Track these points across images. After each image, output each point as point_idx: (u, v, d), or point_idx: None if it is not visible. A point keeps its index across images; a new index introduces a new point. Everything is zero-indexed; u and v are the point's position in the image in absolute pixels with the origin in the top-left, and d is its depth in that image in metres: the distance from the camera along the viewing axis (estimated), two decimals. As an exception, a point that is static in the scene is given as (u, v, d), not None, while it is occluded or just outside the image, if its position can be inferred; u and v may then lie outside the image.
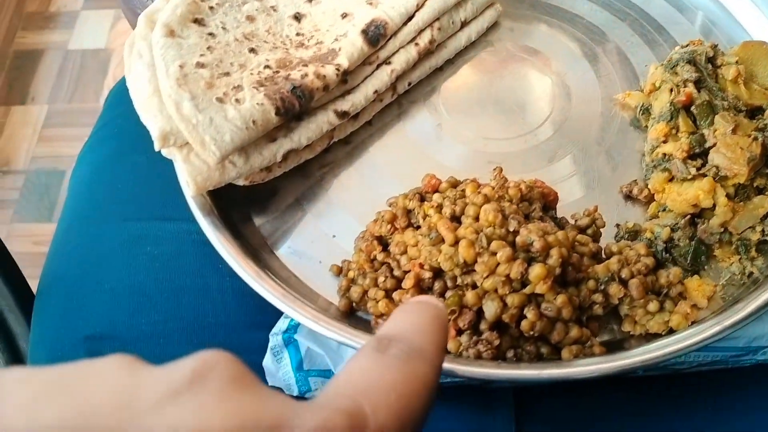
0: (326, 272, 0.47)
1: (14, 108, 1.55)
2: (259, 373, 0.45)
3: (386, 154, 0.52)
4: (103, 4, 1.73)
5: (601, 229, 0.46)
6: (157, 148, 0.45)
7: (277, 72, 0.48)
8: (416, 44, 0.53)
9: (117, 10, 1.68)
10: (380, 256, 0.45)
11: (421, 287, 0.43)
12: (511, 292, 0.40)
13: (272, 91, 0.46)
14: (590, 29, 0.56)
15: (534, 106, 0.53)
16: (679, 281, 0.43)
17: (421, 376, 0.22)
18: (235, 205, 0.49)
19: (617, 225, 0.47)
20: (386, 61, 0.52)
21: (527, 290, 0.40)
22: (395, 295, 0.43)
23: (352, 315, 0.45)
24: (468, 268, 0.41)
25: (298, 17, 0.54)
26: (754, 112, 0.47)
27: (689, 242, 0.44)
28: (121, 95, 0.64)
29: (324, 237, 0.49)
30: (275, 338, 0.44)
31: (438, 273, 0.42)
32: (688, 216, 0.44)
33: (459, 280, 0.42)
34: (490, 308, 0.40)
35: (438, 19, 0.53)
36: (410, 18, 0.52)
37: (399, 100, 0.54)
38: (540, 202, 0.46)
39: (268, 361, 0.45)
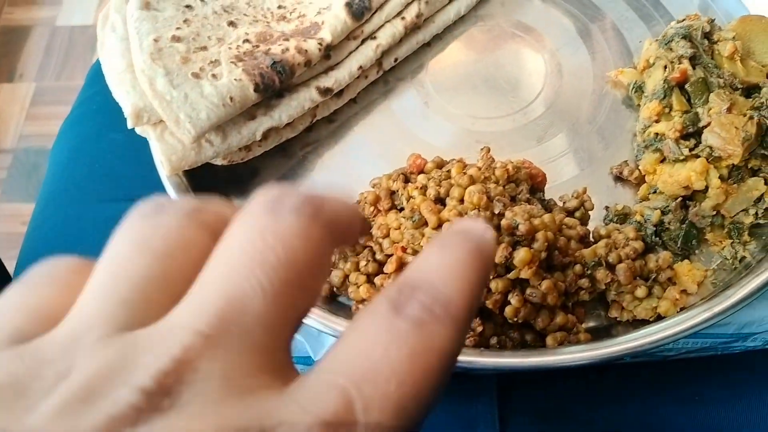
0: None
1: (1, 86, 1.53)
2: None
3: (371, 132, 0.51)
4: (91, -21, 1.69)
5: (590, 212, 0.45)
6: (130, 125, 0.43)
7: (257, 46, 0.47)
8: (403, 18, 0.51)
9: (105, -15, 1.64)
10: (363, 239, 0.43)
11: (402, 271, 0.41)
12: (495, 277, 0.39)
13: (251, 67, 0.45)
14: (584, 4, 0.54)
15: (524, 83, 0.51)
16: (669, 266, 0.41)
17: (438, 346, 0.18)
18: (213, 186, 0.48)
19: (606, 207, 0.45)
20: (371, 36, 0.50)
21: (512, 275, 0.39)
22: (377, 280, 0.42)
23: (333, 300, 0.44)
24: (451, 251, 0.40)
25: (280, -10, 0.51)
26: (750, 90, 0.45)
27: (680, 225, 0.43)
28: (101, 71, 0.62)
29: (305, 218, 0.47)
30: (253, 323, 0.43)
31: (421, 256, 0.41)
32: (680, 198, 0.43)
33: (442, 264, 0.40)
34: (474, 293, 0.39)
35: (425, -8, 0.51)
36: (396, -9, 0.50)
37: (385, 77, 0.53)
38: (527, 184, 0.44)
39: (246, 346, 0.43)
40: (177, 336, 0.16)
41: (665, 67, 0.46)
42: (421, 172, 0.46)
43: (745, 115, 0.43)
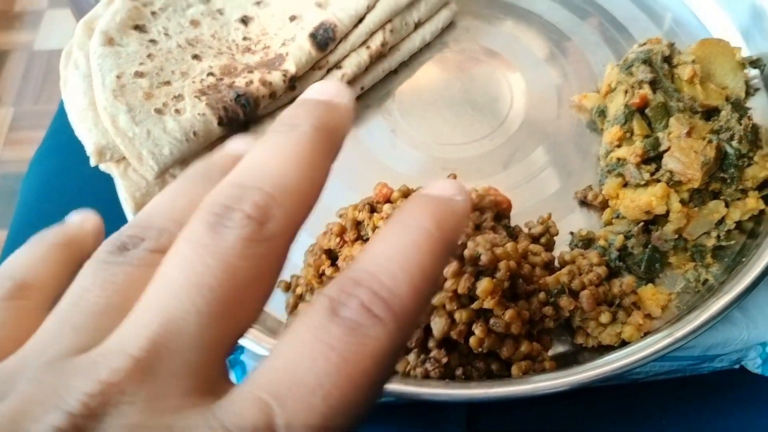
0: (275, 288, 0.45)
1: (-20, 110, 1.52)
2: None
3: (339, 161, 0.51)
4: (67, 3, 1.69)
5: (555, 237, 0.45)
6: (92, 163, 0.43)
7: (221, 79, 0.47)
8: (368, 47, 0.51)
9: (84, 8, 1.64)
10: (329, 271, 0.43)
11: (369, 302, 0.41)
12: (459, 308, 0.39)
13: (215, 100, 0.45)
14: (549, 28, 0.55)
15: (490, 109, 0.52)
16: (633, 290, 0.42)
17: (374, 351, 0.17)
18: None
19: (571, 233, 0.45)
20: (337, 65, 0.51)
21: (475, 305, 0.39)
22: (343, 311, 0.41)
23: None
24: (416, 282, 0.40)
25: (245, 20, 0.52)
26: (710, 113, 0.46)
27: (643, 250, 0.43)
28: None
29: (273, 250, 0.47)
30: (221, 358, 0.43)
31: (387, 287, 0.41)
32: (642, 223, 0.43)
33: (407, 295, 0.40)
34: (438, 325, 0.39)
35: (390, 20, 0.52)
36: (361, 20, 0.51)
37: (352, 105, 0.53)
38: (492, 212, 0.45)
39: (213, 382, 0.43)
40: (107, 360, 0.17)
41: (626, 92, 0.46)
42: (388, 201, 0.46)
43: (704, 139, 0.43)
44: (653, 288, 0.43)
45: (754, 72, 0.50)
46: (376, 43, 0.51)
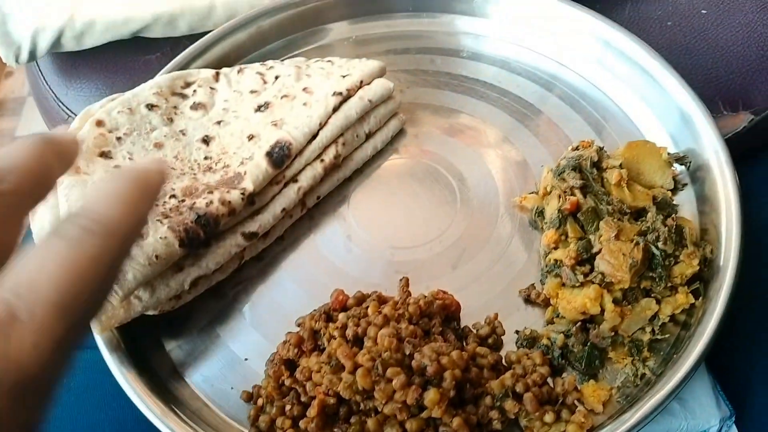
0: (239, 399, 0.47)
1: (-38, 197, 1.54)
2: None
3: (298, 268, 0.54)
4: (51, 87, 1.74)
5: (503, 337, 0.48)
6: (60, 291, 0.45)
7: (183, 201, 0.50)
8: (322, 160, 0.55)
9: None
10: (288, 381, 0.46)
11: (326, 413, 0.43)
12: (410, 417, 0.41)
13: (176, 223, 0.48)
14: (490, 133, 0.59)
15: (438, 212, 0.55)
16: (575, 388, 0.44)
17: (92, 254, 0.23)
18: (144, 330, 0.50)
19: (517, 331, 0.48)
20: (293, 179, 0.54)
21: (424, 414, 0.41)
22: (302, 424, 0.44)
23: (263, 443, 0.45)
24: (368, 394, 0.42)
25: (206, 140, 0.55)
26: (639, 213, 0.50)
27: (583, 347, 0.46)
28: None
29: (236, 360, 0.49)
30: (186, 473, 0.45)
31: (343, 398, 0.43)
32: (580, 322, 0.46)
33: (362, 406, 0.43)
34: (390, 435, 0.41)
35: (342, 134, 0.55)
36: (314, 136, 0.54)
37: (310, 212, 0.56)
38: (441, 316, 0.47)
39: (180, 497, 0.45)
40: None
41: (559, 196, 0.50)
42: (344, 308, 0.49)
43: (632, 241, 0.46)
44: (594, 384, 0.45)
45: (681, 168, 0.54)
46: (329, 156, 0.55)
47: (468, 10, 0.65)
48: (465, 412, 0.42)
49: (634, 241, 0.46)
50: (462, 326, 0.49)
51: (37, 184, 0.27)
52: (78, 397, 0.51)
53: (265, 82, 0.59)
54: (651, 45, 0.59)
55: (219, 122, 0.56)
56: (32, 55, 0.67)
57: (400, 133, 0.60)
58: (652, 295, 0.47)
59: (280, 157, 0.53)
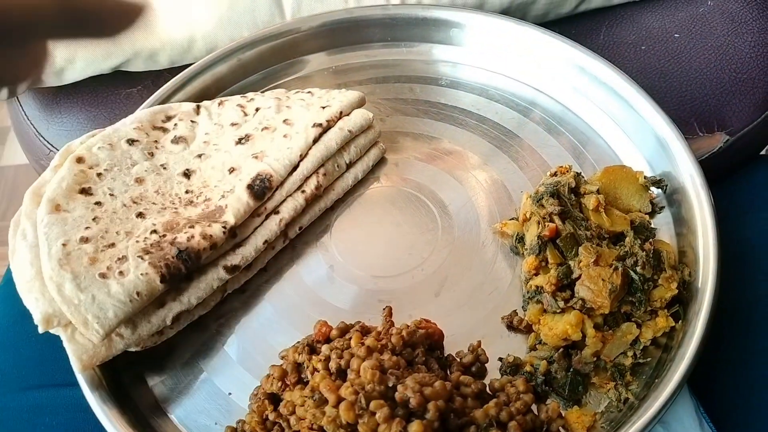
0: (221, 433, 0.47)
1: (-55, 229, 1.53)
2: None
3: (281, 300, 0.54)
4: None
5: (486, 364, 0.48)
6: (41, 330, 0.45)
7: (164, 236, 0.50)
8: (303, 191, 0.55)
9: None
10: (272, 416, 0.45)
11: (311, 447, 0.43)
12: (393, 450, 0.41)
13: (157, 258, 0.48)
14: (470, 160, 0.59)
15: (420, 240, 0.55)
16: (559, 415, 0.44)
17: None
18: (127, 366, 0.50)
19: (500, 359, 0.48)
20: (275, 211, 0.54)
21: (407, 448, 0.41)
22: (286, 458, 0.43)
23: (248, 479, 0.45)
24: (352, 428, 0.42)
25: (187, 174, 0.55)
26: (618, 238, 0.50)
27: (566, 374, 0.46)
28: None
29: (220, 395, 0.49)
30: None
31: None
32: (562, 348, 0.46)
33: (345, 439, 0.42)
34: (374, 468, 0.41)
35: (323, 165, 0.56)
36: (295, 168, 0.55)
37: (292, 243, 0.56)
38: (424, 345, 0.47)
39: None
40: None
41: (539, 223, 0.50)
42: (327, 339, 0.49)
43: (611, 266, 0.47)
44: (578, 410, 0.45)
45: (657, 191, 0.55)
46: (310, 186, 0.55)
47: (445, 39, 0.66)
48: (449, 443, 0.42)
49: (613, 266, 0.47)
50: (446, 354, 0.49)
51: None
52: (60, 437, 0.50)
53: (245, 114, 0.60)
54: (626, 69, 0.60)
55: (200, 155, 0.57)
56: (12, 92, 0.67)
57: (381, 161, 0.60)
58: (633, 319, 0.47)
59: (261, 190, 0.53)
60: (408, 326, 0.48)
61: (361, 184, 0.59)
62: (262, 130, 0.58)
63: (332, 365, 0.45)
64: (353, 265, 0.55)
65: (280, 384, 0.47)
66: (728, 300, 0.48)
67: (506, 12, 0.67)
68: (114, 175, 0.54)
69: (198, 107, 0.60)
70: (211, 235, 0.50)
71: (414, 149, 0.61)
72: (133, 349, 0.49)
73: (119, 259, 0.48)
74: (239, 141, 0.57)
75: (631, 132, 0.58)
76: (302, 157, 0.55)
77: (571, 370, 0.46)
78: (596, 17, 0.71)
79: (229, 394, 0.49)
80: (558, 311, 0.47)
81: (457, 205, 0.57)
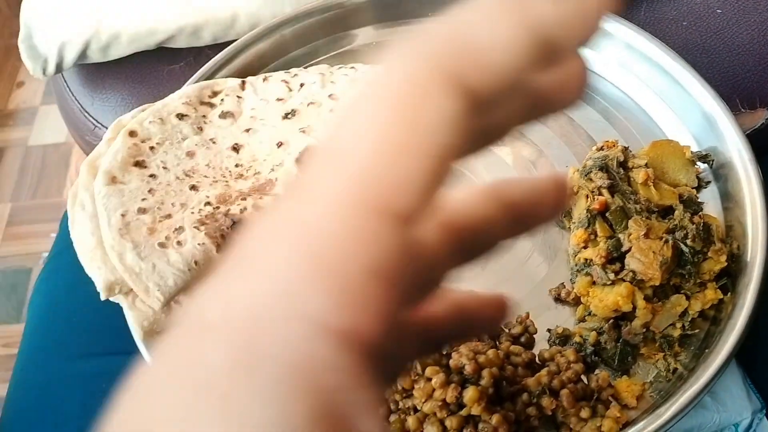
0: (277, 399, 0.48)
1: (-23, 209, 1.56)
2: None
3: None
4: (63, 97, 1.76)
5: (534, 335, 0.49)
6: (103, 298, 0.46)
7: (218, 208, 0.51)
8: (350, 165, 0.56)
9: (76, 103, 1.70)
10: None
11: (366, 412, 0.44)
12: (449, 415, 0.42)
13: (213, 229, 0.49)
14: (512, 135, 0.60)
15: (466, 213, 0.56)
16: (609, 384, 0.45)
17: None
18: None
19: (549, 330, 0.49)
20: (322, 184, 0.55)
21: (464, 412, 0.42)
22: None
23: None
24: (407, 393, 0.43)
25: (236, 148, 0.56)
26: (666, 212, 0.50)
27: (615, 344, 0.47)
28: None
29: (273, 363, 0.50)
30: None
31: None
32: (612, 319, 0.47)
33: (400, 404, 0.44)
34: (431, 433, 0.42)
35: (368, 139, 0.56)
36: (342, 142, 0.55)
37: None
38: (474, 316, 0.48)
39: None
40: None
41: (587, 196, 0.51)
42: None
43: (661, 239, 0.47)
44: (628, 380, 0.46)
45: (704, 166, 0.55)
46: (357, 160, 0.56)
47: (487, 15, 0.66)
48: (503, 409, 0.43)
49: (664, 239, 0.47)
50: (494, 325, 0.50)
51: None
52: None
53: (290, 90, 0.60)
54: (668, 45, 0.60)
55: (247, 130, 0.58)
56: (59, 68, 0.68)
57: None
58: (682, 291, 0.47)
59: (311, 163, 0.53)
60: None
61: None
62: (308, 105, 0.58)
63: (385, 334, 0.46)
64: (400, 238, 0.55)
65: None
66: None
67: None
68: (166, 149, 0.54)
69: (243, 83, 0.61)
70: (263, 208, 0.51)
71: (458, 124, 0.61)
72: (189, 318, 0.50)
73: (176, 229, 0.49)
74: (286, 116, 0.58)
75: (676, 107, 0.58)
76: (349, 132, 0.56)
77: (621, 340, 0.47)
78: (637, -7, 0.71)
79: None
80: (608, 283, 0.47)
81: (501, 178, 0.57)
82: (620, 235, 0.48)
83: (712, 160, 0.54)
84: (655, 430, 0.43)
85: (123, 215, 0.48)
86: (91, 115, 0.71)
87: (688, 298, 0.47)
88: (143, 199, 0.50)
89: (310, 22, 0.66)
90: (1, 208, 1.56)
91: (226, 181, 0.54)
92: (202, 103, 0.59)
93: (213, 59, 0.64)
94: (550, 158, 0.58)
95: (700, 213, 0.50)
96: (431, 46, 0.18)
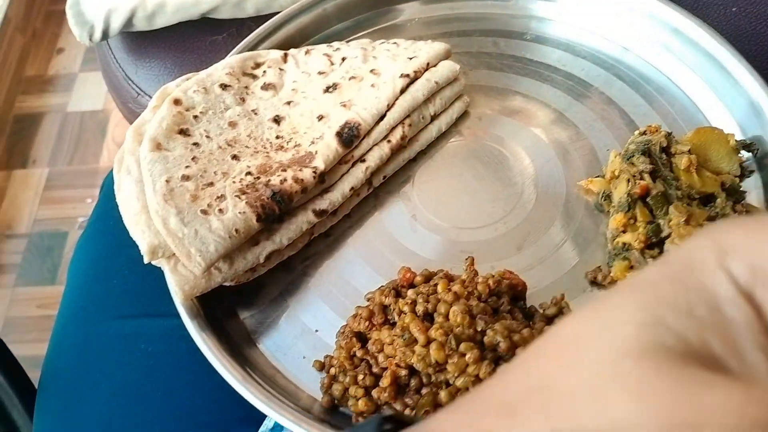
0: (310, 367, 0.49)
1: (15, 172, 1.59)
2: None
3: (364, 245, 0.55)
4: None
5: (568, 317, 0.49)
6: (146, 261, 0.48)
7: (258, 178, 0.52)
8: (389, 141, 0.56)
9: (113, 72, 1.72)
10: (359, 353, 0.47)
11: (398, 384, 0.45)
12: (481, 391, 0.43)
13: (253, 199, 0.50)
14: (555, 115, 0.59)
15: (503, 193, 0.56)
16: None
17: None
18: (220, 300, 0.52)
19: (583, 312, 0.49)
20: (361, 159, 0.55)
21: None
22: (374, 393, 0.45)
23: (336, 411, 0.47)
24: (440, 367, 0.44)
25: (277, 120, 0.57)
26: (707, 199, 0.50)
27: (650, 330, 0.47)
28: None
29: (307, 331, 0.51)
30: (263, 437, 0.47)
31: (414, 370, 0.45)
32: (648, 305, 0.47)
33: (433, 378, 0.44)
34: (462, 407, 0.42)
35: (408, 116, 0.57)
36: (382, 117, 0.56)
37: (375, 192, 0.57)
38: (508, 295, 0.48)
39: (256, 459, 0.47)
40: None
41: (628, 180, 0.50)
42: (411, 285, 0.50)
43: (701, 226, 0.47)
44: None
45: (748, 155, 0.54)
46: (396, 137, 0.56)
47: (533, -7, 0.65)
48: (534, 388, 0.43)
49: (704, 226, 0.47)
50: (528, 306, 0.50)
51: None
52: (157, 362, 0.53)
53: (332, 64, 0.61)
54: (716, 31, 0.58)
55: (289, 102, 0.58)
56: (104, 35, 0.69)
57: (463, 115, 0.60)
58: (720, 279, 0.47)
59: (350, 137, 0.54)
60: (493, 276, 0.49)
61: (444, 137, 0.60)
62: (350, 79, 0.59)
63: (419, 309, 0.47)
64: (435, 215, 0.56)
65: (367, 324, 0.49)
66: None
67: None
68: (209, 118, 0.55)
69: (285, 55, 0.62)
70: (302, 179, 0.51)
71: (497, 104, 0.61)
72: (227, 284, 0.51)
73: (218, 197, 0.50)
74: (327, 89, 0.58)
75: (722, 94, 0.57)
76: (389, 107, 0.56)
77: (655, 326, 0.47)
78: (687, -24, 0.69)
79: (316, 331, 0.51)
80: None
81: (541, 161, 0.57)
82: (660, 221, 0.48)
83: (757, 149, 0.54)
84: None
85: (167, 181, 0.49)
86: (134, 83, 0.72)
87: (726, 286, 0.47)
88: (187, 167, 0.51)
89: (353, -4, 0.66)
90: (39, 173, 1.59)
91: (267, 152, 0.55)
92: (245, 74, 0.59)
93: (255, 31, 0.64)
94: (590, 141, 0.58)
95: (743, 202, 0.49)
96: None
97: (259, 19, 0.66)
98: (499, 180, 0.57)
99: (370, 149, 0.56)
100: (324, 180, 0.53)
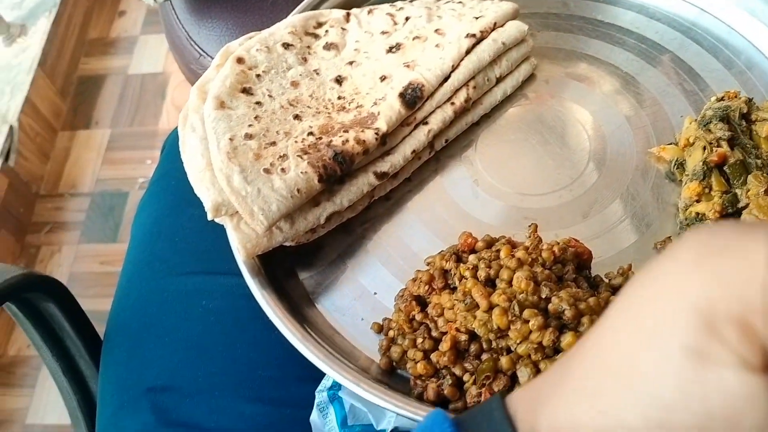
0: (368, 329, 0.49)
1: (79, 132, 1.64)
2: (307, 427, 0.48)
3: (424, 210, 0.55)
4: (160, 29, 1.80)
5: (635, 288, 0.47)
6: (209, 218, 0.48)
7: (320, 138, 0.51)
8: (452, 103, 0.55)
9: (172, 35, 1.74)
10: (419, 317, 0.47)
11: (457, 349, 0.45)
12: (544, 359, 0.42)
13: (315, 159, 0.49)
14: (626, 79, 0.57)
15: (569, 160, 0.54)
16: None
17: None
18: (280, 260, 0.53)
19: (650, 284, 0.47)
20: (423, 121, 0.54)
21: (559, 357, 0.42)
22: (433, 357, 0.45)
23: (394, 373, 0.47)
24: (502, 333, 0.43)
25: (339, 80, 0.56)
26: (790, 169, 0.47)
27: (722, 304, 0.45)
28: (177, 145, 0.68)
29: (366, 294, 0.51)
30: (321, 395, 0.48)
31: (474, 335, 0.44)
32: (721, 278, 0.45)
33: (494, 344, 0.44)
34: (524, 374, 0.42)
35: (473, 77, 0.55)
36: (446, 79, 0.54)
37: (437, 155, 0.57)
38: (573, 263, 0.47)
39: (314, 417, 0.48)
40: None
41: (704, 148, 0.48)
42: (472, 250, 0.49)
43: (783, 197, 0.44)
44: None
45: (836, 123, 0.51)
46: (460, 99, 0.55)
47: (606, -49, 0.62)
48: (598, 358, 0.42)
49: (786, 198, 0.44)
50: (593, 275, 0.49)
51: None
52: (218, 318, 0.54)
53: (395, 24, 0.59)
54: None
55: (351, 62, 0.57)
56: (168, -6, 0.69)
57: (529, 78, 0.59)
58: (801, 254, 0.45)
59: (413, 99, 0.53)
60: (558, 243, 0.47)
61: (509, 101, 0.58)
62: (413, 39, 0.57)
63: (480, 274, 0.46)
64: (498, 180, 0.54)
65: (426, 288, 0.48)
66: None
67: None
68: (272, 78, 0.55)
69: (348, 15, 0.61)
70: (364, 140, 0.51)
71: (565, 67, 0.59)
72: (288, 244, 0.51)
73: (280, 156, 0.50)
74: (390, 49, 0.57)
75: (810, 59, 0.54)
76: (454, 68, 0.54)
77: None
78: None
79: (375, 293, 0.51)
80: (720, 240, 0.45)
81: (611, 127, 0.55)
82: (737, 191, 0.46)
83: None
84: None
85: (231, 139, 0.49)
86: (197, 44, 0.72)
87: (807, 261, 0.44)
88: (250, 125, 0.51)
89: (418, -46, 0.64)
90: (102, 134, 1.63)
91: (329, 113, 0.54)
92: (307, 33, 0.59)
93: (317, -10, 0.63)
94: (663, 107, 0.55)
95: (830, 173, 0.46)
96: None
97: (321, -21, 0.65)
98: (566, 146, 0.55)
99: (433, 111, 0.54)
100: (386, 142, 0.53)
